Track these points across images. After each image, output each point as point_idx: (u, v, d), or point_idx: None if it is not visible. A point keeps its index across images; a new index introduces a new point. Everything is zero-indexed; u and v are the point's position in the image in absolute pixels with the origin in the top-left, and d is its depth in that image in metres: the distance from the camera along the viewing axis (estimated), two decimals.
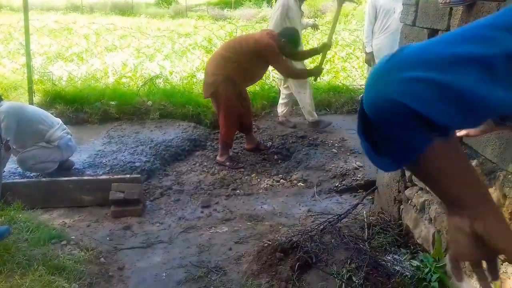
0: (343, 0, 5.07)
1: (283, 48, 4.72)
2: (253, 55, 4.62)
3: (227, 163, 4.75)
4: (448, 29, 2.57)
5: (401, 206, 3.10)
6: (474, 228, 0.72)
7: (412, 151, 0.70)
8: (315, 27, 6.16)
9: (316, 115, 5.70)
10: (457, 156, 0.74)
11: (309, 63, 6.81)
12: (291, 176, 4.55)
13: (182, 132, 5.42)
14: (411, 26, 3.03)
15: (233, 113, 4.77)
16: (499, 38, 0.64)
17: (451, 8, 2.51)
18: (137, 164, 4.54)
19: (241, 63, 4.64)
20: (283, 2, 5.39)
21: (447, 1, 2.39)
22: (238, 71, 4.65)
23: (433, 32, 2.77)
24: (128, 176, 4.04)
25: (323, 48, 5.10)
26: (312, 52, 5.38)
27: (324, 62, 5.32)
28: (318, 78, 5.47)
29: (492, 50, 0.63)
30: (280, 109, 5.84)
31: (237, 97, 4.79)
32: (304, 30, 6.73)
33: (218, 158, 4.86)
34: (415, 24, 2.97)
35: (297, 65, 5.36)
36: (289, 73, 5.03)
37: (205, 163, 4.85)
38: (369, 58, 5.89)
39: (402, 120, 0.66)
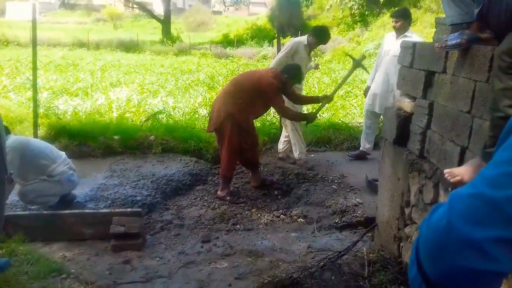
0: (358, 65, 5.29)
1: (285, 84, 4.85)
2: (256, 92, 4.75)
3: (228, 198, 4.79)
4: (444, 71, 2.67)
5: (401, 244, 3.11)
6: None
7: None
8: (316, 67, 6.34)
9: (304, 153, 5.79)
10: None
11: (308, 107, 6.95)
12: (291, 212, 4.57)
13: (183, 167, 5.48)
14: (409, 68, 3.14)
15: (234, 149, 4.85)
16: None
17: (447, 52, 2.61)
18: (138, 198, 4.57)
19: (245, 99, 4.77)
20: (293, 45, 5.59)
21: (443, 45, 2.50)
22: (241, 107, 4.77)
23: (430, 74, 2.87)
24: (129, 210, 4.06)
25: (324, 99, 5.23)
26: (313, 100, 5.52)
27: (319, 111, 5.46)
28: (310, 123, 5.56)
29: None
30: (281, 146, 5.91)
31: (240, 134, 4.87)
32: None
33: (219, 192, 4.90)
34: (413, 66, 3.08)
35: (295, 107, 5.48)
36: (285, 113, 5.10)
37: (206, 198, 4.88)
38: (366, 90, 6.10)
39: (484, 280, 0.63)
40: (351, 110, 7.85)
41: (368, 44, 19.78)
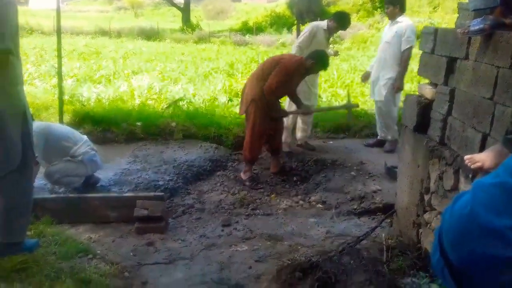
0: (349, 108, 5.52)
1: (309, 69, 4.86)
2: (282, 73, 4.76)
3: (247, 183, 4.86)
4: (466, 57, 2.65)
5: (420, 230, 3.13)
6: None
7: None
8: (335, 54, 6.32)
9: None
10: None
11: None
12: (310, 198, 4.61)
13: (204, 153, 5.57)
14: (430, 54, 3.12)
15: (258, 132, 4.90)
16: None
17: (469, 38, 2.59)
18: (161, 182, 4.68)
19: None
20: (312, 28, 5.59)
21: (466, 31, 2.48)
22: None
23: (451, 61, 2.85)
24: (152, 194, 4.17)
25: (304, 108, 5.27)
26: (297, 103, 5.28)
27: (289, 114, 5.47)
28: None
29: None
30: (299, 134, 5.93)
31: (265, 118, 4.91)
32: None
33: (241, 174, 5.01)
34: (434, 52, 3.06)
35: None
36: (268, 90, 4.80)
37: (226, 183, 4.96)
38: (364, 75, 6.19)
39: (504, 267, 0.64)
40: (370, 97, 7.78)
41: None
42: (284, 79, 4.78)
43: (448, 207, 0.72)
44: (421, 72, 3.31)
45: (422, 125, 3.16)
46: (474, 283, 0.67)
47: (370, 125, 6.53)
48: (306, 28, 5.74)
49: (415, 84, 7.76)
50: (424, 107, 3.14)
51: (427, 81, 3.31)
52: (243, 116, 5.26)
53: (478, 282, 0.66)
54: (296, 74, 4.88)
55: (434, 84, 3.10)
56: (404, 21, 5.48)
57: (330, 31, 5.65)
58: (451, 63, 2.86)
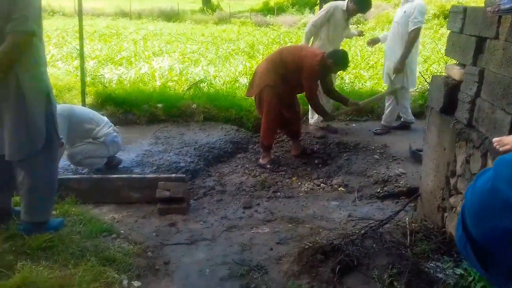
0: (393, 93, 5.31)
1: (328, 68, 4.75)
2: (296, 69, 4.69)
3: (268, 166, 4.84)
4: (496, 37, 2.55)
5: (445, 214, 3.07)
6: None
7: None
8: (360, 34, 6.18)
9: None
10: None
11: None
12: (331, 181, 4.57)
13: (225, 135, 5.56)
14: (459, 33, 3.01)
15: (273, 117, 4.86)
16: None
17: (500, 17, 2.49)
18: (182, 164, 4.70)
19: (286, 74, 4.74)
20: (329, 8, 5.47)
21: (496, 9, 2.38)
22: (282, 80, 4.75)
23: (481, 40, 2.75)
24: (173, 175, 4.19)
25: (353, 105, 5.13)
26: (342, 100, 5.21)
27: (341, 115, 5.38)
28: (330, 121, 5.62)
29: None
30: (311, 116, 5.87)
31: (279, 104, 4.86)
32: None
33: (260, 160, 4.97)
34: (463, 32, 2.96)
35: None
36: (311, 98, 4.89)
37: (247, 165, 4.95)
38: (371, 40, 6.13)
39: None
40: (384, 81, 7.62)
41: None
42: (315, 83, 4.80)
43: (471, 184, 0.72)
44: (449, 52, 3.21)
45: (449, 107, 3.08)
46: (496, 259, 0.67)
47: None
48: (324, 7, 5.62)
49: (442, 65, 7.56)
50: (452, 89, 3.05)
51: (454, 62, 3.20)
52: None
53: (500, 257, 0.66)
54: (322, 72, 4.77)
55: (462, 65, 3.01)
56: (416, 1, 5.31)
57: (349, 13, 5.51)
58: (481, 43, 2.76)
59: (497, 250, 0.66)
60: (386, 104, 5.83)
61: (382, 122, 5.85)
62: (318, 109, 5.04)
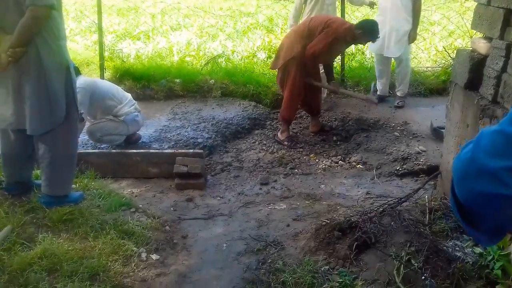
0: (371, 101, 5.25)
1: (357, 39, 4.62)
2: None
3: (286, 143, 4.81)
4: None
5: None
6: None
7: (507, 225, 0.79)
8: (371, 4, 6.02)
9: None
10: None
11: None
12: (350, 158, 4.53)
13: (242, 111, 5.52)
14: (486, 5, 2.88)
15: (298, 91, 4.79)
16: None
17: None
18: (200, 140, 4.70)
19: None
20: None
21: None
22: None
23: (509, 13, 2.62)
24: (191, 151, 4.20)
25: (333, 86, 5.06)
26: (329, 76, 5.10)
27: (313, 84, 5.10)
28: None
29: None
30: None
31: (304, 77, 4.78)
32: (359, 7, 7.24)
33: (278, 135, 4.93)
34: (490, 4, 2.83)
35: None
36: (310, 54, 4.60)
37: (264, 142, 4.93)
38: None
39: (498, 204, 0.73)
40: (417, 54, 7.43)
41: None
42: (330, 45, 4.56)
43: (458, 154, 0.80)
44: (475, 25, 3.08)
45: (473, 82, 2.97)
46: (480, 218, 0.78)
47: (417, 83, 6.25)
48: None
49: (467, 40, 7.32)
50: (477, 63, 2.94)
51: (480, 35, 3.08)
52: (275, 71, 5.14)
53: (481, 217, 0.78)
54: (342, 42, 4.67)
55: (489, 38, 2.89)
56: None
57: None
58: (509, 15, 2.64)
59: (477, 210, 0.77)
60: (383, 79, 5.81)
61: (398, 93, 5.84)
62: (315, 73, 4.99)
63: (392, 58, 5.68)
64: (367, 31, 4.52)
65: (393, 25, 5.39)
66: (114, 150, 4.36)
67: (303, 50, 4.61)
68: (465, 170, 0.75)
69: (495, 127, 0.74)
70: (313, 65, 4.82)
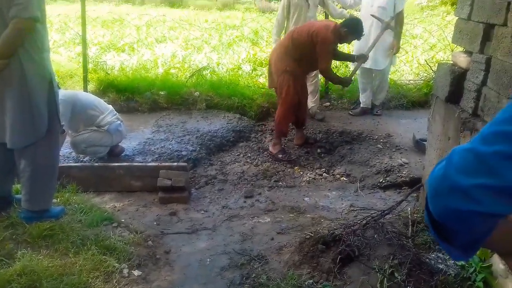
0: (387, 27, 5.15)
1: (343, 38, 4.69)
2: (312, 46, 4.59)
3: (280, 156, 4.77)
4: (505, 24, 2.48)
5: None
6: None
7: (480, 240, 0.82)
8: (343, 16, 6.11)
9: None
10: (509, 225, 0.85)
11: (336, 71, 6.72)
12: (334, 170, 4.54)
13: (227, 123, 5.52)
14: (466, 20, 2.94)
15: (293, 104, 4.81)
16: None
17: (508, 3, 2.42)
18: (184, 152, 4.67)
19: (301, 55, 4.66)
20: None
21: None
22: (298, 62, 4.69)
23: (489, 27, 2.68)
24: (175, 164, 4.17)
25: (359, 59, 5.08)
26: (348, 57, 5.32)
27: (355, 73, 5.31)
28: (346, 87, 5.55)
29: None
30: (311, 104, 5.83)
31: (297, 90, 4.81)
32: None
33: (270, 148, 4.91)
34: (470, 19, 2.89)
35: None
36: (326, 71, 4.82)
37: (249, 154, 4.92)
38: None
39: (471, 220, 0.76)
40: (400, 66, 7.54)
41: None
42: (330, 54, 4.71)
43: (432, 170, 0.82)
44: (456, 39, 3.14)
45: (454, 95, 3.02)
46: (453, 234, 0.80)
47: (399, 96, 6.33)
48: None
49: (448, 54, 7.46)
50: (458, 77, 3.00)
51: (461, 49, 3.14)
52: (265, 84, 5.16)
53: (455, 233, 0.80)
54: (335, 43, 4.74)
55: (469, 53, 2.94)
56: None
57: None
58: (488, 30, 2.70)
59: (451, 226, 0.79)
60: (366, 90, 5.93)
61: (377, 103, 6.00)
62: (334, 79, 5.10)
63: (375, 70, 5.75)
64: (353, 29, 4.62)
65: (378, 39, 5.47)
66: (96, 164, 4.31)
67: (293, 62, 4.66)
68: (438, 187, 0.77)
69: (467, 145, 0.76)
70: (303, 76, 4.93)
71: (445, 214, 0.77)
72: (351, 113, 5.99)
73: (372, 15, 5.25)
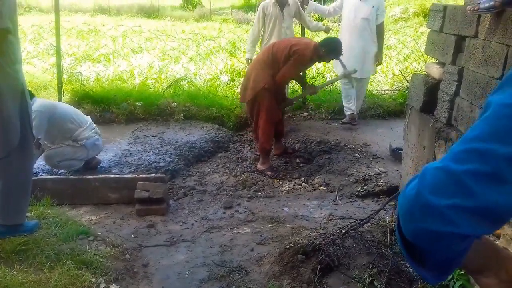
0: (347, 76, 5.18)
1: (322, 57, 4.69)
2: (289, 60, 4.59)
3: (269, 173, 4.71)
4: (476, 36, 2.56)
5: None
6: (500, 278, 0.83)
7: (456, 260, 0.79)
8: (327, 30, 6.22)
9: None
10: (484, 243, 0.84)
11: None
12: (312, 180, 4.56)
13: (205, 134, 5.49)
14: (438, 32, 3.03)
15: (274, 120, 4.79)
16: (491, 150, 0.69)
17: (479, 15, 2.50)
18: (162, 164, 4.63)
19: (281, 68, 4.63)
20: (260, 8, 5.63)
21: (476, 8, 2.39)
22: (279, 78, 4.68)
23: (460, 39, 2.76)
24: (153, 175, 4.13)
25: (309, 89, 5.15)
26: (302, 83, 5.36)
27: (298, 100, 5.39)
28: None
29: (492, 163, 0.68)
30: None
31: (277, 104, 4.82)
32: (317, 33, 7.55)
33: (259, 166, 4.81)
34: (442, 30, 2.97)
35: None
36: (279, 82, 4.73)
37: (228, 165, 4.91)
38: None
39: (444, 241, 0.73)
40: (375, 77, 7.67)
41: (394, 8, 18.99)
42: (299, 69, 4.76)
43: (402, 190, 0.79)
44: (429, 51, 3.22)
45: (428, 105, 3.10)
46: (427, 255, 0.78)
47: (375, 106, 6.43)
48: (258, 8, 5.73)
49: (422, 64, 7.63)
50: (431, 87, 3.07)
51: (434, 60, 3.22)
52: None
53: (428, 254, 0.77)
54: (310, 62, 4.78)
55: (441, 64, 3.02)
56: None
57: (280, 3, 5.57)
58: (460, 41, 2.78)
59: (423, 246, 0.76)
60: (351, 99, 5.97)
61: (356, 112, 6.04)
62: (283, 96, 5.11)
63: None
64: (331, 49, 4.62)
65: (364, 47, 5.65)
66: (72, 176, 4.22)
67: (271, 79, 4.63)
68: (410, 207, 0.74)
69: (438, 163, 0.74)
70: (281, 90, 4.94)
71: (418, 235, 0.74)
72: (341, 123, 5.96)
73: (339, 59, 5.24)
